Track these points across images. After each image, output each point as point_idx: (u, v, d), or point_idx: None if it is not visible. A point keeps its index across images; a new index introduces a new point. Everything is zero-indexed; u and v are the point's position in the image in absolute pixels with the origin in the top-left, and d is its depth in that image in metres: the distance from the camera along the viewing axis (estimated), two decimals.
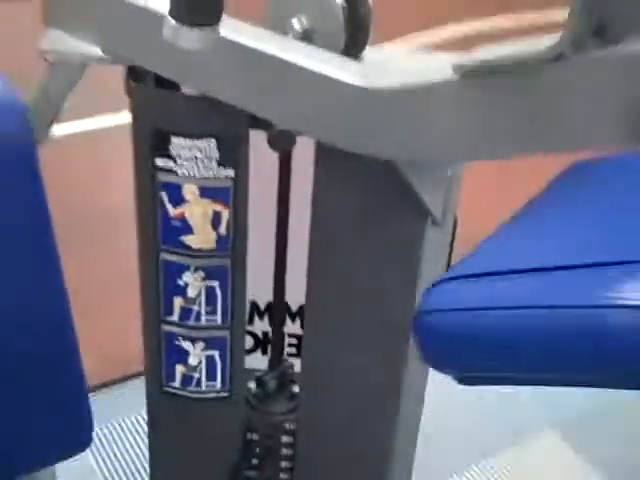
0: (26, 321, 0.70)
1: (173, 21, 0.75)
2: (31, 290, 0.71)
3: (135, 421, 1.76)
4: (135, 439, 1.72)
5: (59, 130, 1.07)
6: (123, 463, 1.67)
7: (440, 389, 1.24)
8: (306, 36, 0.97)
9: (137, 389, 1.27)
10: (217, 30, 0.78)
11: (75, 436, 0.77)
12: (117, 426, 1.74)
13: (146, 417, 1.24)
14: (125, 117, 1.04)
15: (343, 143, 0.90)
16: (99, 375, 1.78)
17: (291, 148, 1.01)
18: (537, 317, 0.71)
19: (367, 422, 1.19)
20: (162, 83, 1.00)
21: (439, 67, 0.81)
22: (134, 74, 1.01)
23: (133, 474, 1.63)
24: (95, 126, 2.75)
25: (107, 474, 1.64)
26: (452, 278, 0.81)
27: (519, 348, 0.73)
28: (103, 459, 1.68)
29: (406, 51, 1.07)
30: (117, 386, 1.80)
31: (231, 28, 0.88)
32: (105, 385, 1.79)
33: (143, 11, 0.94)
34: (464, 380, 0.83)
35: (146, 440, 1.31)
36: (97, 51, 1.00)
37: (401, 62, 1.01)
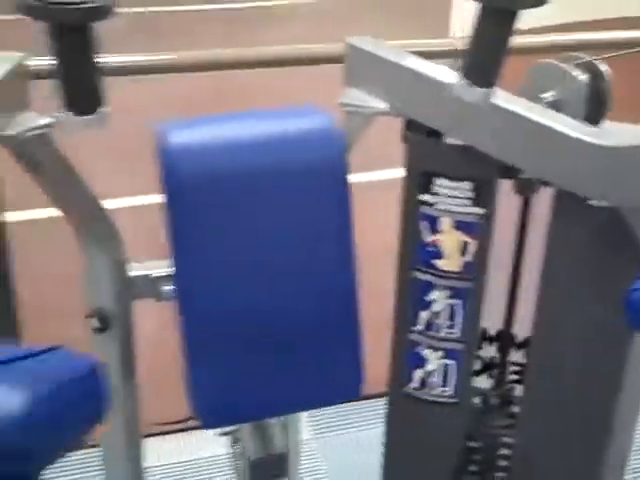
0: (329, 291, 0.97)
1: (464, 80, 1.00)
2: (335, 269, 0.97)
3: None
4: None
5: None
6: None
7: None
8: (554, 105, 1.19)
9: None
10: (491, 92, 1.02)
11: (349, 385, 1.01)
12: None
13: None
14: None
15: (580, 190, 1.10)
16: None
17: (532, 194, 1.22)
18: None
19: (583, 441, 1.34)
20: (431, 134, 1.25)
21: None
22: (410, 126, 1.28)
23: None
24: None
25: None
26: None
27: None
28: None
29: None
30: None
31: (499, 94, 1.11)
32: None
33: (423, 77, 1.20)
34: None
35: None
36: (384, 106, 1.27)
37: (634, 131, 1.20)
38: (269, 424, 1.09)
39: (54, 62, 0.91)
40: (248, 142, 0.94)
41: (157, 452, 2.00)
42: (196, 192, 0.92)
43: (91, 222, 1.25)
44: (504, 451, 1.42)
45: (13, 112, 1.11)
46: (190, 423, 1.98)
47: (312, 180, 0.95)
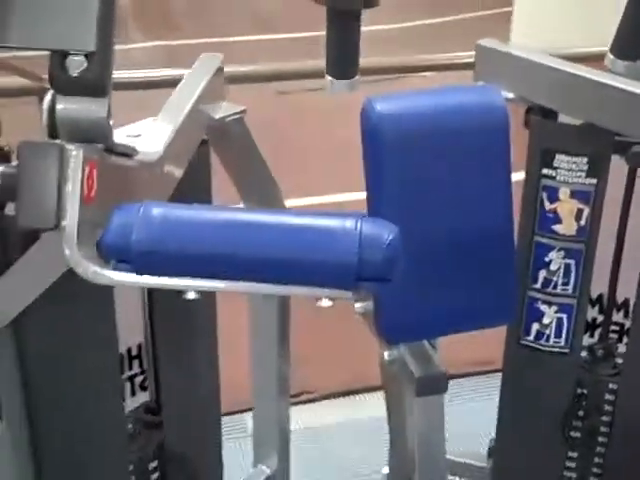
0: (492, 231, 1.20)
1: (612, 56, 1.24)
2: (496, 210, 1.20)
3: None
4: None
5: None
6: None
7: None
8: None
9: None
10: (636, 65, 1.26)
11: (503, 312, 1.24)
12: None
13: None
14: None
15: None
16: None
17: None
18: None
19: None
20: (548, 115, 1.49)
21: None
22: (531, 110, 1.51)
23: None
24: None
25: None
26: None
27: None
28: None
29: None
30: None
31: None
32: None
33: (537, 64, 1.44)
34: None
35: None
36: (510, 95, 1.50)
37: None
38: (425, 347, 1.31)
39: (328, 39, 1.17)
40: (433, 110, 1.18)
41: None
42: (393, 150, 1.16)
43: (266, 203, 1.50)
44: (609, 397, 1.62)
45: (216, 102, 1.36)
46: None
47: (483, 139, 1.18)
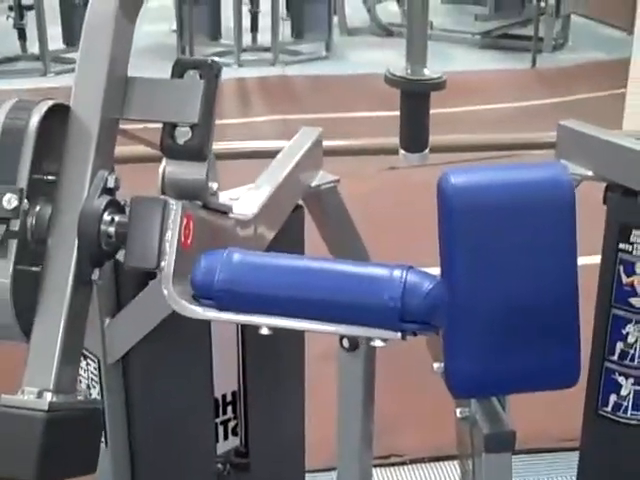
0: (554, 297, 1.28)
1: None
2: (562, 280, 1.29)
3: None
4: None
5: None
6: None
7: None
8: None
9: None
10: None
11: (568, 376, 1.31)
12: None
13: None
14: None
15: None
16: None
17: None
18: None
19: None
20: (628, 194, 1.56)
21: None
22: (610, 188, 1.59)
23: None
24: None
25: None
26: None
27: None
28: None
29: None
30: None
31: None
32: None
33: (614, 145, 1.53)
34: None
35: None
36: (590, 172, 1.59)
37: None
38: (495, 405, 1.38)
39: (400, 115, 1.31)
40: (503, 184, 1.29)
41: None
42: (465, 220, 1.27)
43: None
44: None
45: (314, 171, 1.51)
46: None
47: (549, 212, 1.28)
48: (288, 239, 1.44)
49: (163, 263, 0.88)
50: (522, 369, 1.29)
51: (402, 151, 1.32)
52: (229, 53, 7.35)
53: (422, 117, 1.26)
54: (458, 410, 1.39)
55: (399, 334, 0.79)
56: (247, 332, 1.45)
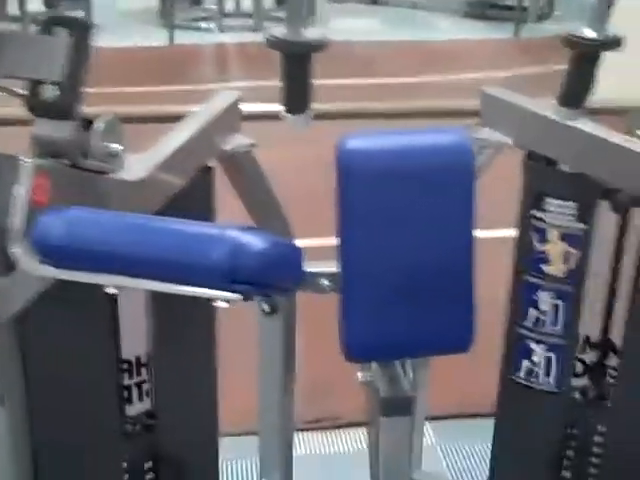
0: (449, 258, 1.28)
1: (557, 104, 1.33)
2: (457, 245, 1.28)
3: None
4: None
5: None
6: None
7: None
8: None
9: None
10: (579, 114, 1.33)
11: (461, 340, 1.31)
12: None
13: None
14: None
15: None
16: None
17: (627, 211, 1.50)
18: None
19: None
20: (548, 163, 1.56)
21: None
22: (530, 156, 1.58)
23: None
24: None
25: None
26: None
27: None
28: None
29: None
30: None
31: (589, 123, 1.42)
32: None
33: (534, 113, 1.52)
34: None
35: None
36: (509, 140, 1.58)
37: None
38: (396, 369, 1.38)
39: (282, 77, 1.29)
40: (401, 151, 1.28)
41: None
42: (362, 185, 1.26)
43: (273, 224, 1.62)
44: (598, 439, 1.65)
45: (229, 135, 1.50)
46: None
47: (447, 180, 1.27)
48: (196, 202, 1.43)
49: (11, 220, 0.88)
50: (416, 333, 1.29)
51: (284, 113, 1.31)
52: (211, 18, 7.29)
53: (303, 79, 1.25)
54: (360, 374, 1.40)
55: (236, 295, 0.79)
56: (156, 294, 1.45)
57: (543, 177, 1.57)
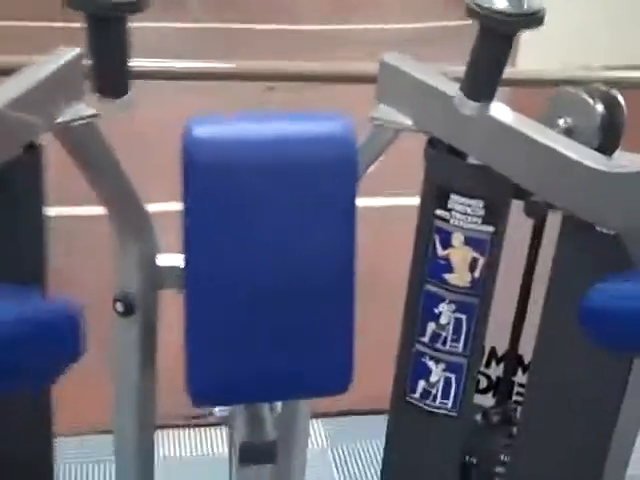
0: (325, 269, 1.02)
1: (462, 95, 1.07)
2: (333, 263, 1.03)
3: None
4: None
5: None
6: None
7: None
8: (567, 132, 1.23)
9: None
10: (488, 107, 1.08)
11: (339, 381, 1.06)
12: None
13: None
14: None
15: (584, 215, 1.14)
16: None
17: (542, 217, 1.26)
18: None
19: (579, 467, 1.36)
20: (451, 151, 1.30)
21: None
22: (433, 143, 1.33)
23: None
24: None
25: None
26: None
27: None
28: None
29: None
30: None
31: (502, 111, 1.17)
32: None
33: (438, 92, 1.25)
34: None
35: None
36: (410, 122, 1.32)
37: None
38: (261, 410, 1.14)
39: (89, 49, 0.99)
40: (264, 139, 1.01)
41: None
42: (210, 180, 0.99)
43: (127, 211, 1.33)
44: (500, 469, 1.44)
45: (66, 103, 1.20)
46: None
47: (321, 177, 1.01)
48: (19, 186, 1.15)
49: None
50: (280, 374, 1.04)
51: (97, 94, 1.03)
52: None
53: (117, 52, 0.95)
54: (216, 409, 1.14)
55: None
56: None
57: (447, 169, 1.32)
